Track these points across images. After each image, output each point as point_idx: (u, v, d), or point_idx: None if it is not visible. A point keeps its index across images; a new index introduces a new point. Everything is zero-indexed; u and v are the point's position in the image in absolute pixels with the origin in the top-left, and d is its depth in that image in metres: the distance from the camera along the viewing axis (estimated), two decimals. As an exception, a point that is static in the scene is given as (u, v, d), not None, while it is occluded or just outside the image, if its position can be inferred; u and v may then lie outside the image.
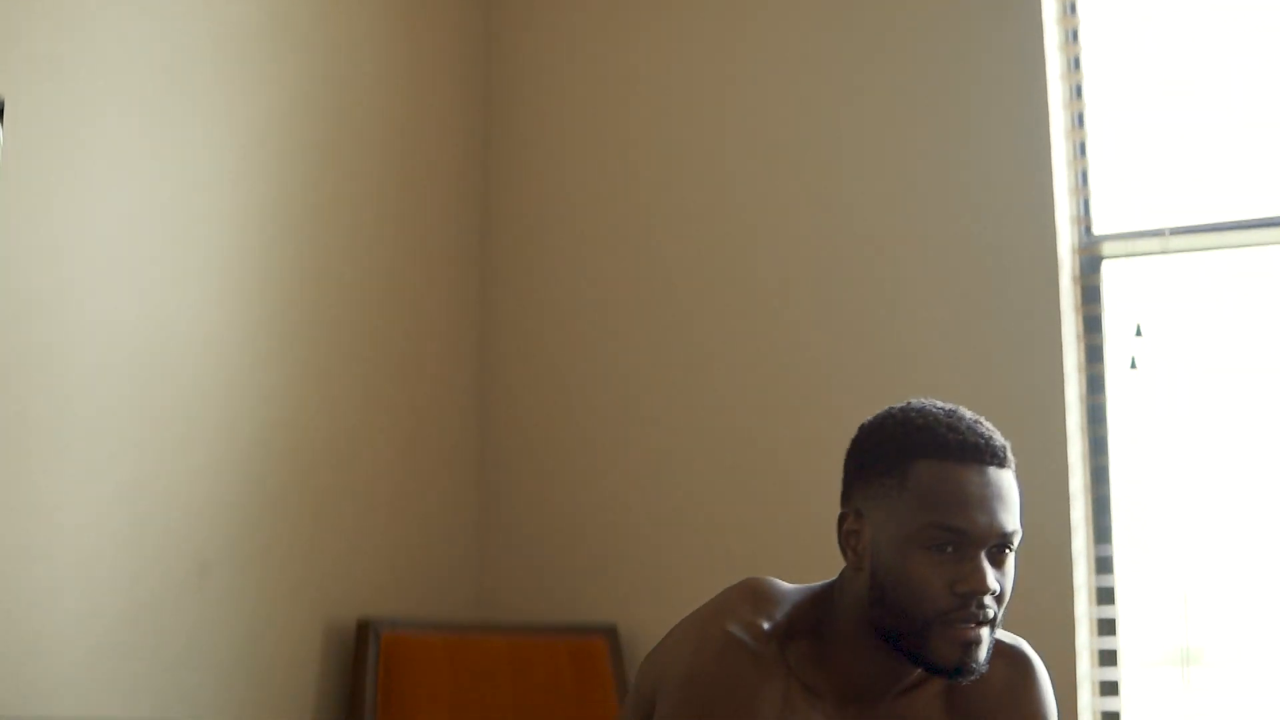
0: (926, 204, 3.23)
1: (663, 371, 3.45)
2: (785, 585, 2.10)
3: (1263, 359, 3.05)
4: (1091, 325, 3.16)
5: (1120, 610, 3.08)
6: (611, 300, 3.51)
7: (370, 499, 3.23)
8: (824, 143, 3.35)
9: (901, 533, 1.96)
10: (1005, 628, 2.05)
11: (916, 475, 1.97)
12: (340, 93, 3.22)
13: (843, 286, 3.28)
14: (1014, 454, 1.94)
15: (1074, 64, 3.21)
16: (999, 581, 1.94)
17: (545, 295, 3.58)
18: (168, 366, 2.79)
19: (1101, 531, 3.12)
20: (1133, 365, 3.10)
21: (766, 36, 3.43)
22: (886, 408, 2.05)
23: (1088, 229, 3.18)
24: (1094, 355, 3.17)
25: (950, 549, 1.93)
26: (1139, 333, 3.08)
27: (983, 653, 1.94)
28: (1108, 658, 3.08)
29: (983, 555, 1.94)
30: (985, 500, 1.94)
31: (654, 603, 3.26)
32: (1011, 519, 1.95)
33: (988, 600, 1.93)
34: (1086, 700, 3.02)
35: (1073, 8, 3.23)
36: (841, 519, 2.04)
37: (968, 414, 2.01)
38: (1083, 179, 3.19)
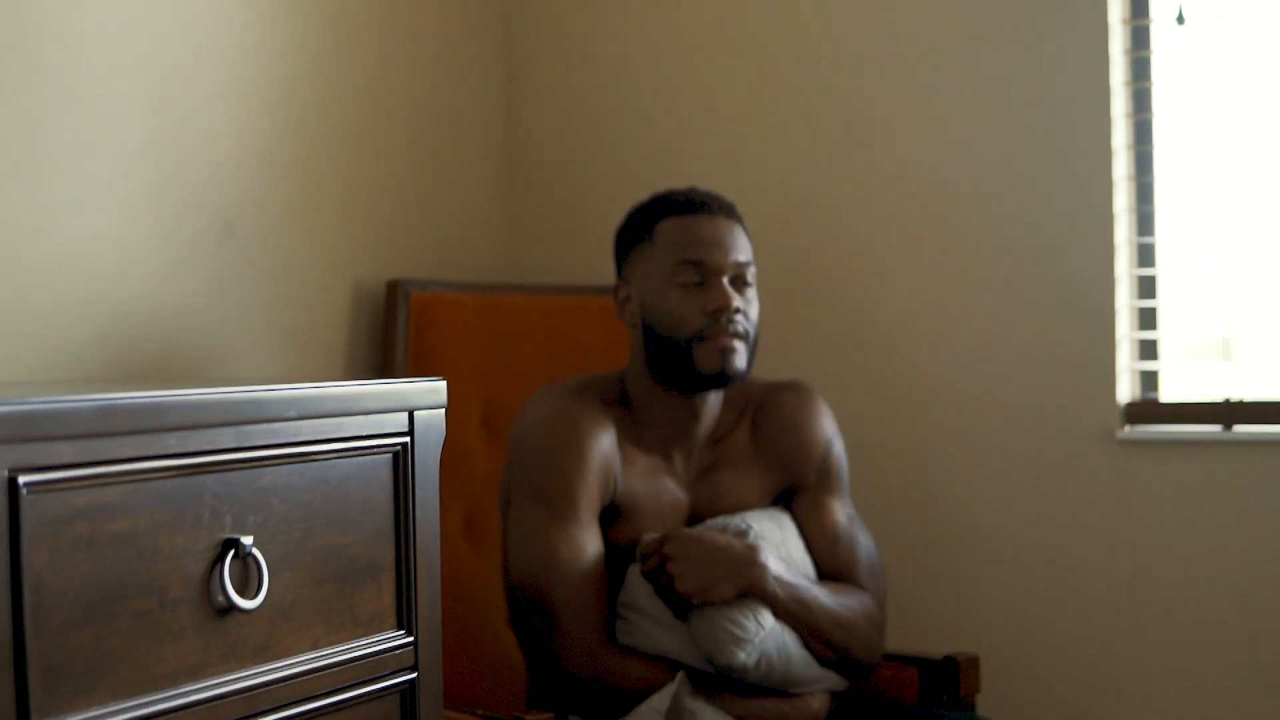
0: None
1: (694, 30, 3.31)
2: (592, 375, 2.55)
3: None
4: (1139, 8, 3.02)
5: (1161, 302, 3.03)
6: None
7: (396, 160, 3.13)
8: None
9: (657, 278, 2.42)
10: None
11: (663, 231, 2.44)
12: None
13: None
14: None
15: None
16: (742, 303, 2.39)
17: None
18: (188, 16, 2.67)
19: (1144, 221, 3.04)
20: (1179, 19, 2.96)
21: None
22: None
23: None
24: (1139, 39, 3.02)
25: (697, 282, 2.39)
26: (1180, 19, 2.94)
27: (739, 360, 2.40)
28: (1148, 349, 3.05)
29: (725, 282, 2.39)
30: (719, 238, 2.41)
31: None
32: (744, 252, 2.43)
33: (737, 317, 2.38)
34: (1125, 392, 3.00)
35: None
36: (615, 290, 2.51)
37: (701, 187, 2.49)
38: None
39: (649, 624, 2.37)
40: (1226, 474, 2.92)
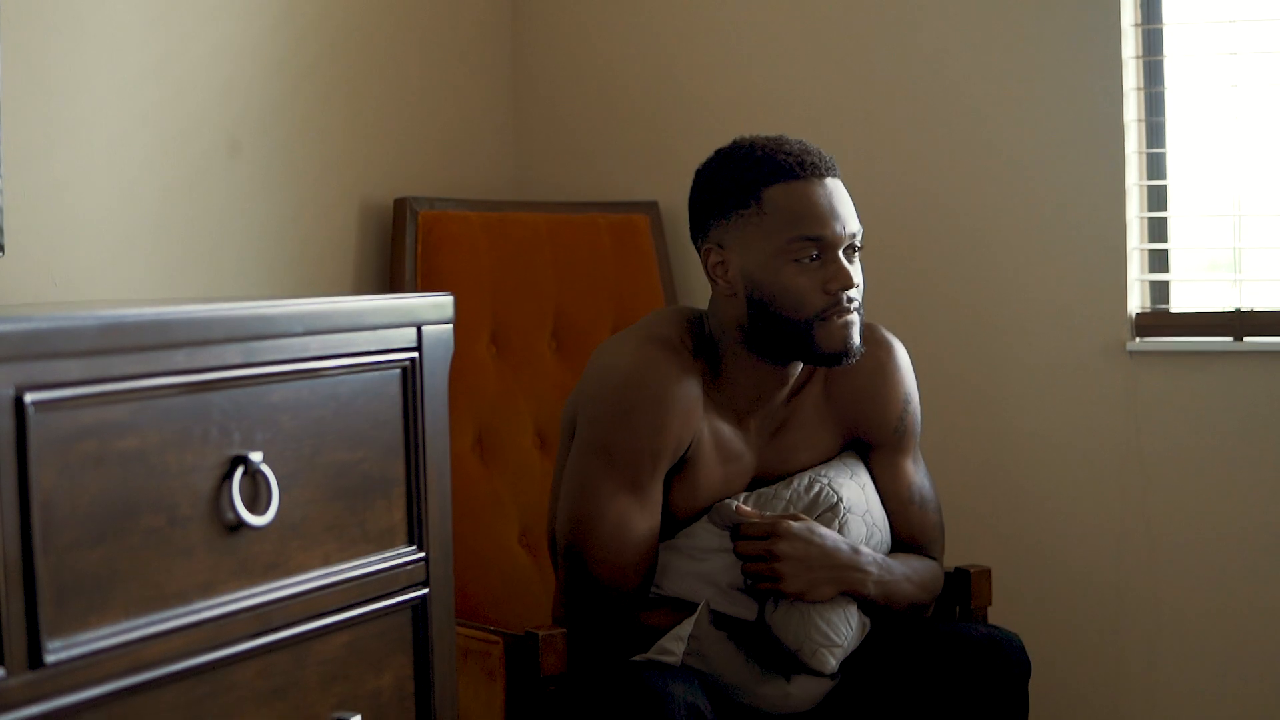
0: None
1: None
2: (671, 315, 2.39)
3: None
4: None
5: (1172, 213, 3.01)
6: None
7: (404, 77, 3.11)
8: None
9: (766, 252, 2.25)
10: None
11: (772, 200, 2.24)
12: None
13: None
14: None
15: None
16: (859, 277, 2.26)
17: None
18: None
19: (1155, 132, 3.02)
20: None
21: None
22: (716, 150, 2.33)
23: None
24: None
25: (814, 256, 2.23)
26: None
27: (857, 337, 2.26)
28: (1158, 261, 3.03)
29: (841, 256, 2.24)
30: (833, 208, 2.24)
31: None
32: (855, 220, 2.27)
33: (853, 294, 2.25)
34: (1135, 303, 2.98)
35: None
36: (705, 253, 2.32)
37: (791, 138, 2.30)
38: None
39: (693, 579, 2.32)
40: (1237, 385, 2.91)
